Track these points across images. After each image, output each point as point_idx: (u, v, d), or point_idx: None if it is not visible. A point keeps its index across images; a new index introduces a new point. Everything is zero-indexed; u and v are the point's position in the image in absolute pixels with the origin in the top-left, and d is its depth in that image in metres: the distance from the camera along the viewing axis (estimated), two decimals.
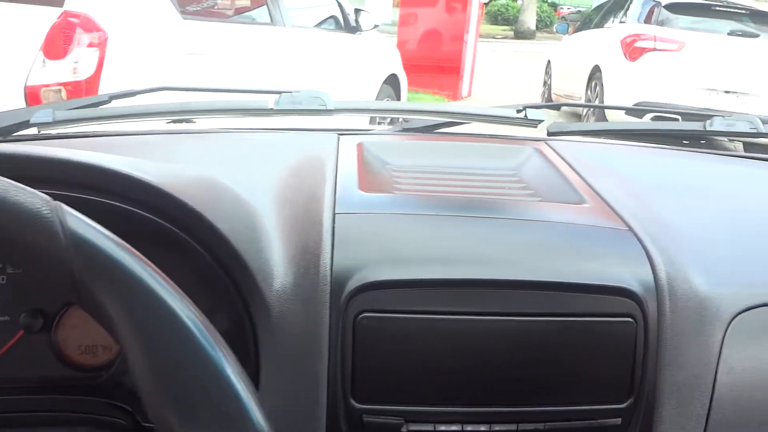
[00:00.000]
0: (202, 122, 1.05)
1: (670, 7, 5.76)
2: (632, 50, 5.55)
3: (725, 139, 2.61)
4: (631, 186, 0.88)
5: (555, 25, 10.00)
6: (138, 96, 1.06)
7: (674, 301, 0.70)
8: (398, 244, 0.70)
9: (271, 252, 0.68)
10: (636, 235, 0.73)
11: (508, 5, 23.40)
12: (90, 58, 2.51)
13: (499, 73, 10.62)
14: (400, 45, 7.21)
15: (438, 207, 0.76)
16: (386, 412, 0.67)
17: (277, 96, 0.96)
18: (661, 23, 5.69)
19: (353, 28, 4.24)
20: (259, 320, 0.66)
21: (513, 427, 0.69)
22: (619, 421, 0.70)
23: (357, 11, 4.31)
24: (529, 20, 19.31)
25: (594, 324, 0.68)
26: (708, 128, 1.03)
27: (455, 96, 7.90)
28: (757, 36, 5.61)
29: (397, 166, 0.90)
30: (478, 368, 0.68)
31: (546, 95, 8.09)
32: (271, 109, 0.95)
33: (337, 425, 0.67)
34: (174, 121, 1.04)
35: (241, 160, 0.89)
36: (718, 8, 6.00)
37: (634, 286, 0.68)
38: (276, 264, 0.68)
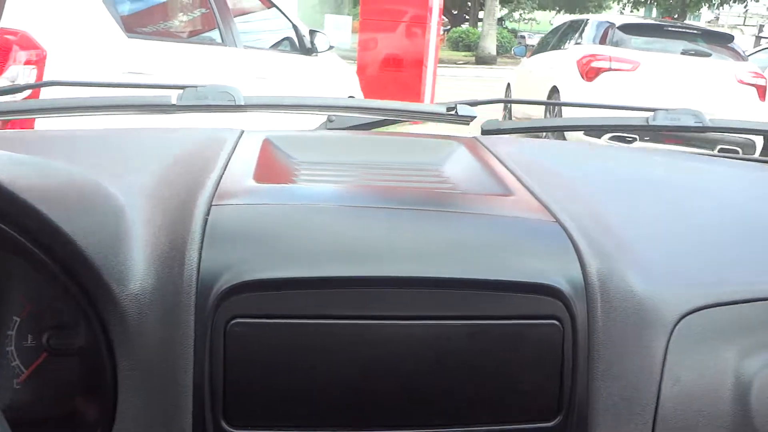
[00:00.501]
0: (96, 119, 0.95)
1: (624, 28, 5.85)
2: (588, 70, 5.60)
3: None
4: (563, 180, 0.80)
5: (513, 48, 10.11)
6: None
7: (607, 301, 0.61)
8: (284, 238, 0.60)
9: (132, 252, 0.58)
10: (564, 227, 0.65)
11: (469, 31, 23.74)
12: (27, 76, 2.43)
13: (460, 97, 10.65)
14: (360, 70, 7.17)
15: (338, 197, 0.67)
16: None
17: (180, 91, 0.87)
18: (616, 44, 5.77)
19: (309, 50, 4.19)
20: (114, 330, 0.56)
21: None
22: None
23: (312, 32, 4.27)
24: (490, 46, 19.59)
25: (513, 327, 0.59)
26: (651, 122, 0.97)
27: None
28: (709, 55, 5.72)
29: (303, 159, 0.81)
30: (380, 383, 0.58)
31: (507, 118, 8.13)
32: (173, 105, 0.86)
33: None
34: (67, 115, 0.93)
35: (127, 157, 0.79)
36: (670, 29, 6.12)
37: (560, 284, 0.59)
38: (135, 265, 0.58)
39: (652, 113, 0.98)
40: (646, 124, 0.97)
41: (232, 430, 0.57)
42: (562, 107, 5.58)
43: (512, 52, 11.33)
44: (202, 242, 0.58)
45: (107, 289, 0.56)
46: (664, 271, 0.67)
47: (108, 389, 0.55)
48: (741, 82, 5.51)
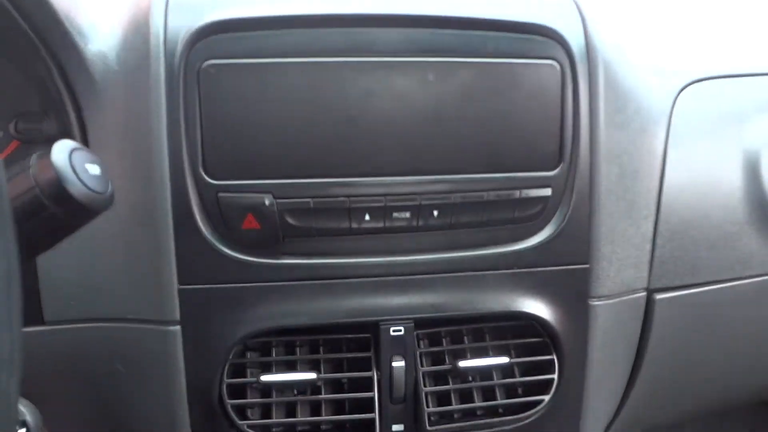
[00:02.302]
0: None
1: None
2: None
3: None
4: None
5: None
6: None
7: (606, 54, 0.61)
8: None
9: (99, 7, 0.57)
10: None
11: None
12: None
13: None
14: None
15: None
16: (247, 188, 0.56)
17: None
18: None
19: None
20: (80, 88, 0.54)
21: (413, 202, 0.58)
22: (548, 192, 0.61)
23: None
24: None
25: (511, 67, 0.57)
26: None
27: None
28: None
29: None
30: (370, 127, 0.56)
31: None
32: None
33: (188, 209, 0.56)
34: None
35: None
36: None
37: (558, 26, 0.58)
38: (102, 19, 0.56)
39: None
40: None
41: (212, 181, 0.56)
42: None
43: None
44: None
45: (72, 45, 0.53)
46: (663, 46, 0.67)
47: None
48: None
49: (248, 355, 0.61)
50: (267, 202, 0.56)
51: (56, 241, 0.41)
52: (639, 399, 0.82)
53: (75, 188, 0.39)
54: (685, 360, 0.82)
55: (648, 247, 0.68)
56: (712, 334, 0.80)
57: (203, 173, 0.56)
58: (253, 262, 0.58)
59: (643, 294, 0.70)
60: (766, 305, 0.79)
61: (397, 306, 0.60)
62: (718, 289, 0.74)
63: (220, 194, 0.56)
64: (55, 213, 0.38)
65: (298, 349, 0.62)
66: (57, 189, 0.38)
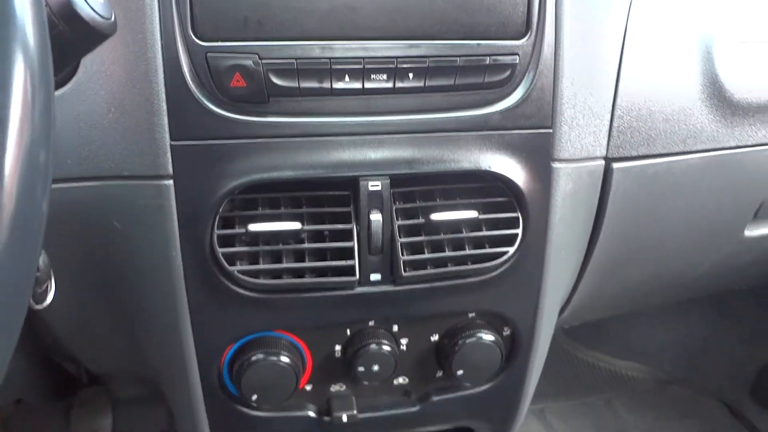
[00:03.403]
0: None
1: None
2: None
3: None
4: None
5: None
6: None
7: None
8: None
9: None
10: None
11: None
12: None
13: None
14: None
15: None
16: (235, 49, 0.60)
17: None
18: None
19: None
20: None
21: (390, 65, 0.63)
22: (516, 59, 0.66)
23: None
24: None
25: None
26: None
27: None
28: None
29: None
30: None
31: None
32: None
33: (178, 68, 0.60)
34: None
35: None
36: None
37: None
38: None
39: None
40: None
41: (201, 43, 0.60)
42: None
43: None
44: None
45: None
46: None
47: None
48: None
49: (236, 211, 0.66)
50: (253, 62, 0.60)
51: (62, 64, 0.45)
52: (594, 278, 0.89)
53: (82, 9, 0.42)
54: (639, 235, 0.89)
55: (607, 116, 0.74)
56: (665, 208, 0.87)
57: (193, 35, 0.60)
58: (240, 119, 0.62)
59: (601, 163, 0.75)
60: (713, 181, 0.86)
61: (374, 161, 0.65)
62: (670, 161, 0.80)
63: (209, 54, 0.60)
64: (63, 32, 0.42)
65: (282, 207, 0.67)
66: (66, 8, 0.41)
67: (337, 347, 0.74)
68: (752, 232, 1.01)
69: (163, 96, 0.61)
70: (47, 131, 0.39)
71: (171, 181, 0.63)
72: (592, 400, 1.64)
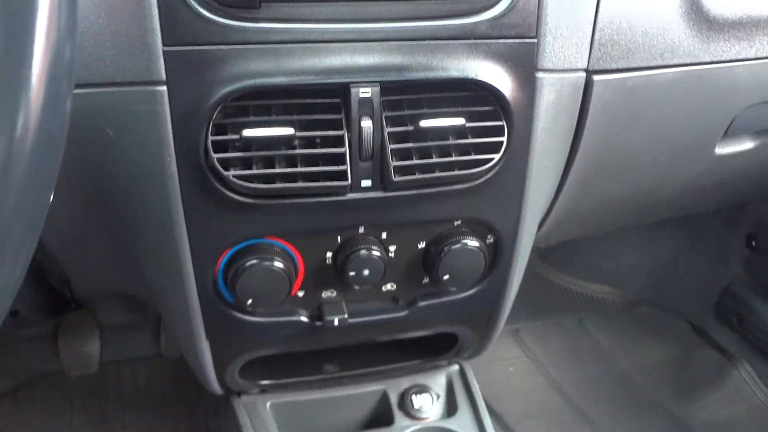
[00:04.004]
0: None
1: None
2: None
3: None
4: None
5: None
6: None
7: None
8: None
9: None
10: None
11: None
12: None
13: None
14: None
15: None
16: None
17: None
18: None
19: None
20: None
21: None
22: None
23: None
24: None
25: None
26: None
27: None
28: None
29: None
30: None
31: None
32: None
33: None
34: None
35: None
36: None
37: None
38: None
39: None
40: None
41: None
42: None
43: None
44: None
45: None
46: None
47: None
48: None
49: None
50: None
51: None
52: (572, 191, 0.93)
53: None
54: (615, 148, 0.92)
55: (589, 29, 0.76)
56: (642, 122, 0.90)
57: None
58: (233, 25, 0.63)
59: (583, 75, 0.78)
60: (688, 96, 0.89)
61: (364, 67, 0.66)
62: (648, 75, 0.83)
63: None
64: None
65: (274, 114, 0.68)
66: None
67: (328, 254, 0.76)
68: (722, 150, 1.05)
69: (154, 0, 0.61)
70: (73, 27, 0.40)
71: (164, 87, 0.64)
72: (565, 321, 1.72)
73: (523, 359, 1.60)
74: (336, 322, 0.78)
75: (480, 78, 0.69)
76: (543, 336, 1.66)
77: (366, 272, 0.75)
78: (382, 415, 0.98)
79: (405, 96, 0.70)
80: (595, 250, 1.76)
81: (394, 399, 0.98)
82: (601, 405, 1.52)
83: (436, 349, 0.97)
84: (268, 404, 0.95)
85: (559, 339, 1.67)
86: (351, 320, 0.79)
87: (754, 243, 1.57)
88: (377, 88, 0.67)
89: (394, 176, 0.69)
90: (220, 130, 0.67)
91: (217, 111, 0.65)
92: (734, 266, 1.62)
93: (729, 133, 1.02)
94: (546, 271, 1.78)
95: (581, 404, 1.51)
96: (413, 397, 0.98)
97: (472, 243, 0.78)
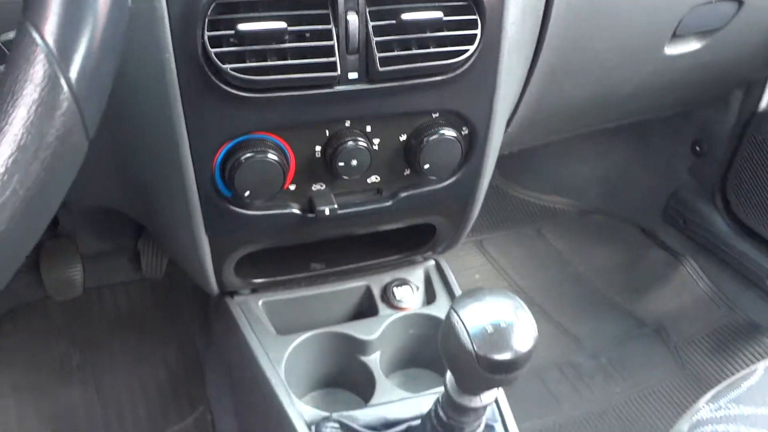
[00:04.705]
0: None
1: None
2: None
3: None
4: None
5: None
6: None
7: None
8: None
9: None
10: None
11: None
12: None
13: None
14: None
15: None
16: None
17: None
18: None
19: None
20: None
21: None
22: None
23: None
24: None
25: None
26: None
27: None
28: None
29: None
30: None
31: None
32: None
33: None
34: None
35: None
36: None
37: None
38: None
39: None
40: None
41: None
42: None
43: None
44: None
45: None
46: None
47: None
48: None
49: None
50: None
51: None
52: (537, 89, 1.00)
53: None
54: (576, 47, 0.99)
55: None
56: (599, 23, 0.97)
57: None
58: None
59: None
60: None
61: None
62: None
63: None
64: None
65: (264, 11, 0.72)
66: None
67: (317, 147, 0.82)
68: (671, 50, 1.13)
69: None
70: None
71: None
72: (524, 231, 1.82)
73: (488, 267, 1.70)
74: (327, 212, 0.84)
75: None
76: (505, 245, 1.76)
77: (354, 162, 0.81)
78: (366, 307, 1.06)
79: None
80: (551, 163, 1.86)
81: (377, 292, 1.05)
82: (561, 305, 1.63)
83: (414, 243, 1.05)
84: (260, 302, 1.01)
85: (520, 247, 1.77)
86: (340, 211, 0.85)
87: (698, 148, 1.69)
88: None
89: (380, 67, 0.75)
90: (214, 26, 0.70)
91: (212, 7, 0.69)
92: (680, 172, 1.74)
93: (677, 33, 1.10)
94: (506, 185, 1.88)
95: (543, 305, 1.62)
96: (394, 289, 1.05)
97: (450, 133, 0.84)
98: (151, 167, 0.82)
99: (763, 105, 1.54)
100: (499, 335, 0.60)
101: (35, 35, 0.41)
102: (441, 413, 0.70)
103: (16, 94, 0.40)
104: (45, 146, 0.41)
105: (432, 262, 1.10)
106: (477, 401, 0.66)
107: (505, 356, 0.59)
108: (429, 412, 0.73)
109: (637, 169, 1.82)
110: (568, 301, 1.65)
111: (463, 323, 0.60)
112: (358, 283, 1.05)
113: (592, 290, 1.69)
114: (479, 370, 0.60)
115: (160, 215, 0.92)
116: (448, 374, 0.66)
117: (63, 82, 0.41)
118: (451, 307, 0.63)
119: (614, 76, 1.13)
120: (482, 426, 0.72)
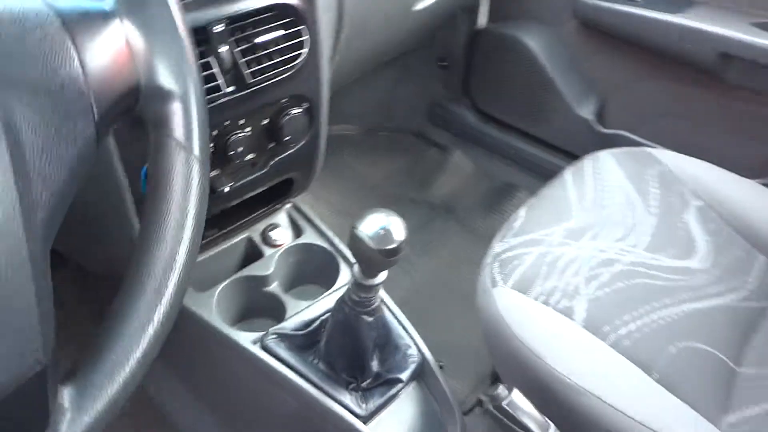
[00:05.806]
0: None
1: None
2: None
3: None
4: None
5: None
6: None
7: None
8: None
9: None
10: None
11: None
12: None
13: None
14: None
15: None
16: None
17: None
18: None
19: None
20: None
21: None
22: None
23: None
24: None
25: None
26: None
27: None
28: None
29: None
30: None
31: None
32: None
33: None
34: None
35: None
36: None
37: None
38: None
39: None
40: None
41: None
42: None
43: None
44: None
45: None
46: None
47: None
48: None
49: None
50: None
51: None
52: (342, 54, 1.32)
53: None
54: (362, 19, 1.33)
55: None
56: (374, 3, 1.33)
57: None
58: None
59: None
60: None
61: (218, 16, 0.97)
62: None
63: None
64: None
65: None
66: None
67: (210, 145, 1.08)
68: (416, 7, 1.52)
69: None
70: None
71: None
72: (328, 158, 2.18)
73: (318, 199, 2.05)
74: (227, 189, 1.12)
75: (286, 1, 1.04)
76: (320, 178, 2.12)
77: (240, 149, 1.09)
78: (252, 253, 1.36)
79: (244, 22, 1.02)
80: (336, 100, 2.23)
81: (257, 239, 1.35)
82: (364, 207, 2.05)
83: (275, 195, 1.35)
84: None
85: (327, 169, 2.14)
86: (235, 185, 1.13)
87: (444, 63, 2.16)
88: (225, 25, 0.99)
89: (248, 80, 1.03)
90: None
91: None
92: (436, 84, 2.21)
93: None
94: None
95: (351, 211, 2.02)
96: (270, 233, 1.36)
97: (298, 110, 1.15)
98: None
99: (481, 23, 2.03)
100: (387, 233, 0.94)
101: None
102: (353, 296, 1.04)
103: None
104: None
105: (290, 205, 1.42)
106: (377, 279, 1.01)
107: (393, 245, 0.95)
108: (341, 298, 1.06)
109: (404, 87, 2.25)
110: (369, 204, 2.06)
111: (364, 232, 0.94)
112: (241, 236, 1.34)
113: (387, 193, 2.11)
114: (379, 257, 0.94)
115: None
116: (355, 266, 1.00)
117: None
118: (353, 226, 0.96)
119: (386, 31, 1.50)
120: (378, 301, 1.09)
